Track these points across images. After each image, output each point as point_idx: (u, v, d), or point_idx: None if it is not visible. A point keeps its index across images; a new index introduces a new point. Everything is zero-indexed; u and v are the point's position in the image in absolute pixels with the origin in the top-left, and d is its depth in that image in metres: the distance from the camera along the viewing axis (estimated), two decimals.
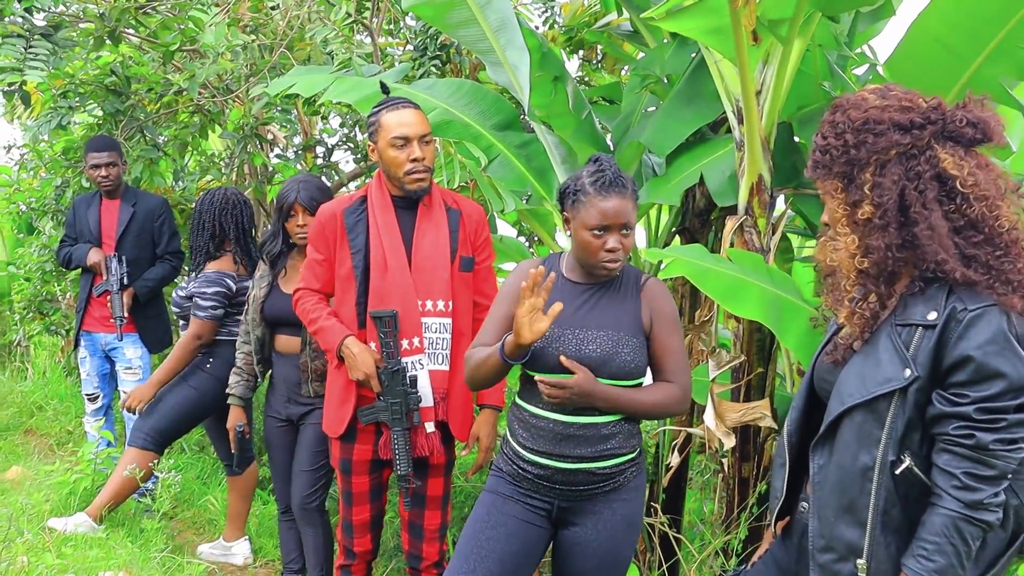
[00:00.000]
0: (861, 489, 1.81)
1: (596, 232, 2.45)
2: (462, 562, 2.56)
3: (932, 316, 1.76)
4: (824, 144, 1.88)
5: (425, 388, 2.98)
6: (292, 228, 3.53)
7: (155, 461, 4.07)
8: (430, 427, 3.01)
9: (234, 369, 3.75)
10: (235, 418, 3.75)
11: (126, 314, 4.72)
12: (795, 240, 5.60)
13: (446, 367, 3.03)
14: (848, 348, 1.89)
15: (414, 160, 2.94)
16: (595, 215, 2.44)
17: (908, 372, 1.75)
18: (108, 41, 4.95)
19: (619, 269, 2.52)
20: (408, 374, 2.95)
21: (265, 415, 3.71)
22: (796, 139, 3.86)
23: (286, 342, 3.58)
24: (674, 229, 4.72)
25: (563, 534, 2.63)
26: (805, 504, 2.04)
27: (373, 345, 2.98)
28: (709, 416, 3.49)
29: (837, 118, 1.88)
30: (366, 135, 3.16)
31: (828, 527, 1.87)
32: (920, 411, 1.77)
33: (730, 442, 3.44)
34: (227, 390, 3.76)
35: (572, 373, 2.43)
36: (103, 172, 4.75)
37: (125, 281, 4.75)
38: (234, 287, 4.08)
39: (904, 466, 1.78)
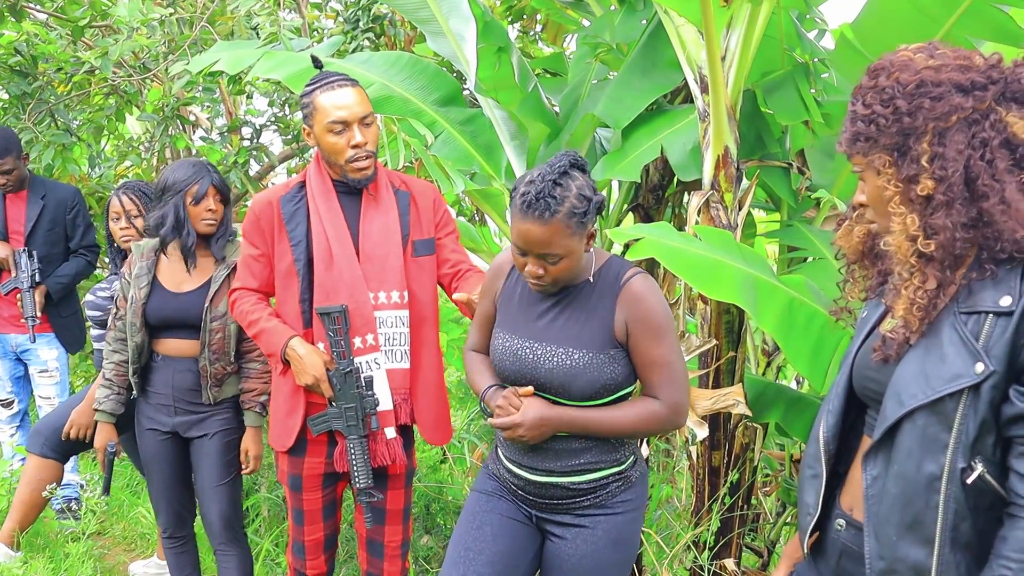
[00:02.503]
0: (927, 502, 1.59)
1: (518, 250, 2.17)
2: (451, 568, 2.34)
3: (1006, 301, 1.54)
4: (868, 113, 1.62)
5: (383, 390, 2.71)
6: (199, 213, 3.14)
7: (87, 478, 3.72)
8: (391, 433, 2.73)
9: (102, 382, 3.32)
10: (105, 436, 3.31)
11: (39, 313, 4.37)
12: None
13: (406, 364, 2.76)
14: (903, 343, 1.67)
15: (355, 146, 2.66)
16: (514, 232, 2.15)
17: (981, 367, 1.54)
18: (9, 17, 4.56)
19: (548, 291, 2.24)
20: (363, 375, 2.68)
21: (141, 428, 3.28)
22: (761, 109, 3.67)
23: (175, 345, 3.19)
24: (626, 206, 4.52)
25: (546, 546, 2.39)
26: (842, 521, 1.82)
27: (321, 346, 2.70)
28: None
29: (882, 82, 1.62)
30: (301, 117, 2.85)
31: (889, 547, 1.65)
32: (995, 411, 1.55)
33: (703, 432, 3.24)
34: (94, 405, 3.32)
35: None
36: (1, 180, 4.38)
37: (37, 278, 4.39)
38: None
39: (976, 474, 1.56)
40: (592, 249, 2.26)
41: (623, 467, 2.32)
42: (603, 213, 2.25)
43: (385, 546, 2.86)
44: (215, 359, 3.13)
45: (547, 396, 2.25)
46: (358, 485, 2.68)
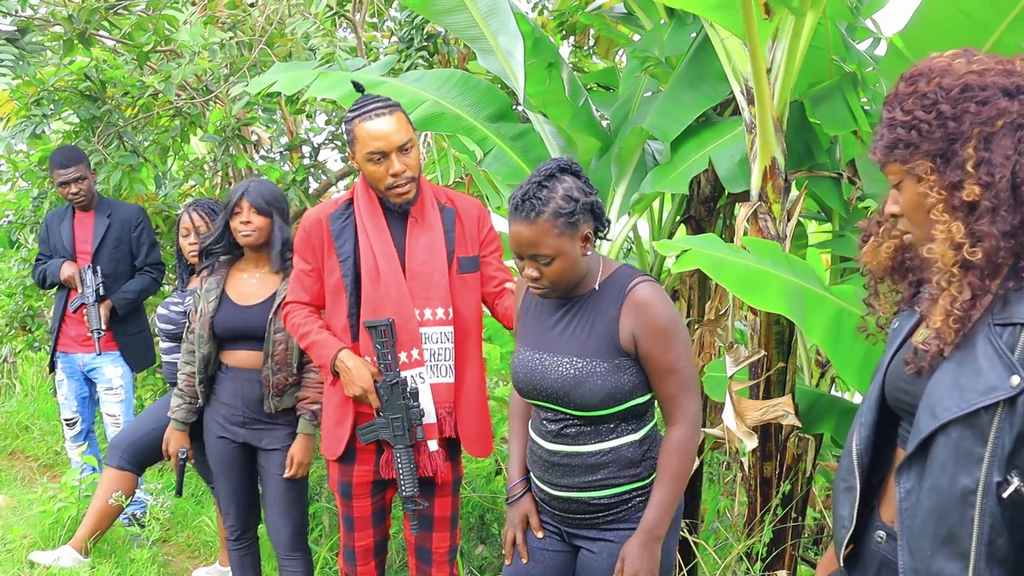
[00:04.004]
0: (962, 516, 1.55)
1: (515, 254, 2.22)
2: None
3: None
4: (909, 120, 1.59)
5: (427, 403, 2.77)
6: (235, 226, 3.29)
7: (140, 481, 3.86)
8: (433, 445, 2.78)
9: (176, 391, 3.49)
10: (177, 443, 3.48)
11: (104, 326, 4.51)
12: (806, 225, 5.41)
13: (450, 379, 2.80)
14: (936, 355, 1.64)
15: (394, 175, 2.71)
16: (509, 236, 2.21)
17: (1016, 380, 1.49)
18: (79, 44, 4.73)
19: (550, 296, 2.27)
20: (408, 387, 2.74)
21: (211, 436, 3.40)
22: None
23: (241, 357, 3.31)
24: (679, 218, 4.53)
25: (579, 557, 2.40)
26: (882, 533, 1.80)
27: (369, 359, 2.76)
28: (728, 415, 3.29)
29: (923, 87, 1.59)
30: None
31: (923, 561, 1.61)
32: None
33: (752, 443, 3.24)
34: (168, 413, 3.50)
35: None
36: (72, 189, 4.53)
37: (101, 292, 4.53)
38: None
39: (1012, 488, 1.52)
40: (595, 254, 2.29)
41: (645, 482, 2.30)
42: (601, 216, 2.24)
43: (433, 552, 2.91)
44: (277, 369, 3.23)
45: (554, 407, 2.28)
46: (404, 493, 2.74)
